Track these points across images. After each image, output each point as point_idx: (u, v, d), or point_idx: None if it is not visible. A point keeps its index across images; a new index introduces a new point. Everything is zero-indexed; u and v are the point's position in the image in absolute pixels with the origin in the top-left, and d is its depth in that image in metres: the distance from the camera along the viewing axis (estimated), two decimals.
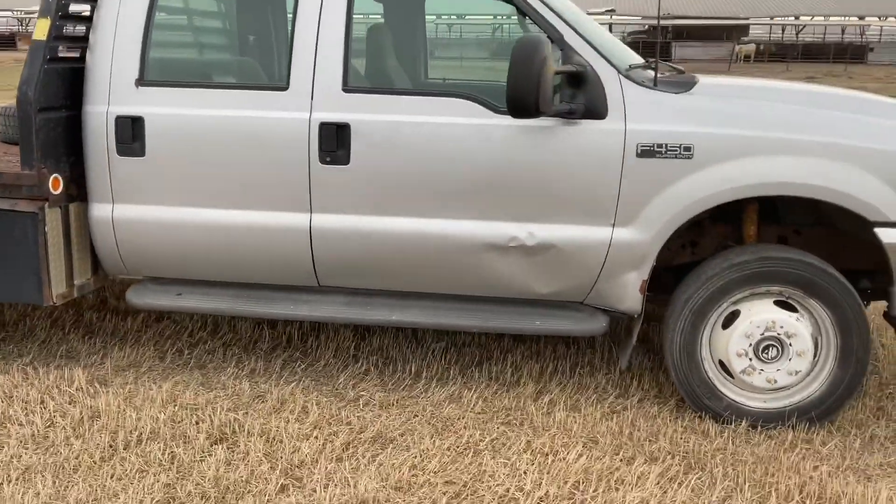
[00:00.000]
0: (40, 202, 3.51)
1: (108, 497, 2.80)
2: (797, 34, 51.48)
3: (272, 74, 3.71)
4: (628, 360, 3.55)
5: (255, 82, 3.65)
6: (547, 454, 3.11)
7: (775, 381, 3.36)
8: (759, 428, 3.37)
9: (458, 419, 3.39)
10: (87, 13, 3.67)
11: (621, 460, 3.08)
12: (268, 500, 2.79)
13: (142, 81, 3.57)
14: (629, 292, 3.43)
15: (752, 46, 47.10)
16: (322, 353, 4.06)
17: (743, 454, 3.15)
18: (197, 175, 3.57)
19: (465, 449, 3.15)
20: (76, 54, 3.68)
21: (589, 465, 3.02)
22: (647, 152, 3.27)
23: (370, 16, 4.19)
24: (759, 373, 3.36)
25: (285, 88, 3.48)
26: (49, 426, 3.26)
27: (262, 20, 4.16)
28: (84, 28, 3.66)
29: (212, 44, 4.15)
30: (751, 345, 3.34)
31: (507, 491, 2.86)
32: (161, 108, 3.56)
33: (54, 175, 3.53)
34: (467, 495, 2.84)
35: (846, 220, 3.37)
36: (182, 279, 3.84)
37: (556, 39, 3.33)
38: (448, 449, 3.15)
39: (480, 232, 3.43)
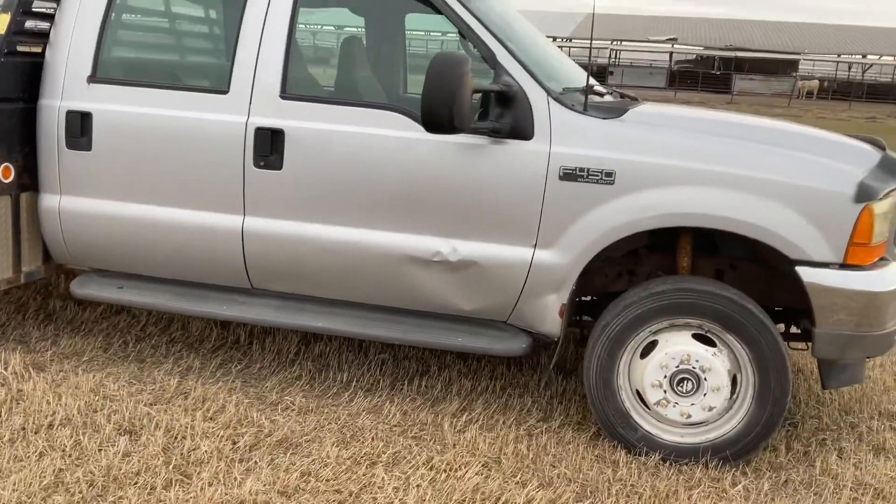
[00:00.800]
0: None
1: (1, 476, 2.88)
2: (863, 73, 50.34)
3: (215, 78, 3.79)
4: (545, 381, 3.52)
5: (199, 84, 3.74)
6: (444, 471, 3.10)
7: (689, 416, 3.29)
8: (671, 463, 3.29)
9: (370, 430, 3.39)
10: (52, 11, 3.80)
11: (516, 483, 3.05)
12: (149, 494, 2.83)
13: (93, 78, 3.70)
14: (549, 315, 3.40)
15: (816, 83, 46.18)
16: (261, 357, 4.11)
17: (643, 487, 3.08)
18: (138, 171, 3.67)
19: (363, 460, 3.16)
20: (38, 49, 3.82)
21: (481, 485, 3.00)
22: (569, 175, 3.26)
23: (319, 25, 4.25)
24: (674, 406, 3.30)
25: (226, 92, 3.56)
26: None
27: (213, 25, 4.27)
28: (47, 25, 3.80)
29: (164, 45, 4.27)
30: (665, 376, 3.28)
31: None
32: (109, 104, 3.68)
33: (5, 164, 3.67)
34: None
35: (776, 258, 3.29)
36: (126, 273, 3.94)
37: (488, 58, 3.36)
38: (348, 458, 3.16)
39: (405, 244, 3.44)
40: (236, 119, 3.53)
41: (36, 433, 3.18)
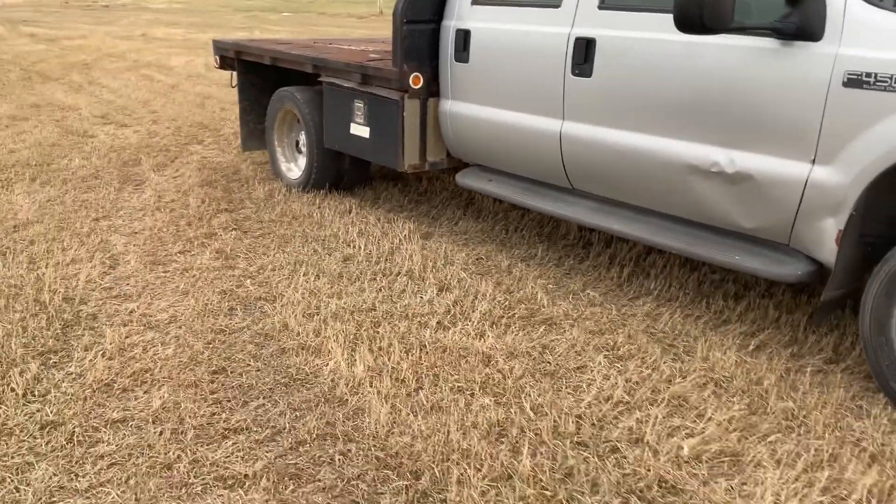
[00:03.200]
0: (402, 93, 4.70)
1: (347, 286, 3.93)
2: None
3: None
4: (819, 318, 3.17)
5: (542, 2, 4.10)
6: (625, 358, 3.14)
7: None
8: None
9: (626, 327, 3.55)
10: None
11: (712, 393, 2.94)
12: (420, 326, 3.55)
13: (476, 1, 4.43)
14: (826, 240, 3.05)
15: None
16: (594, 257, 4.47)
17: (871, 441, 2.67)
18: (495, 80, 4.31)
19: (597, 348, 3.38)
20: None
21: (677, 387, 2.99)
22: (854, 81, 2.85)
23: None
24: None
25: (558, 6, 3.94)
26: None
27: None
28: None
29: None
30: None
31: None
32: (481, 23, 4.37)
33: (415, 73, 4.67)
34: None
35: None
36: (499, 170, 4.65)
37: None
38: (589, 345, 3.41)
39: (687, 153, 3.43)
40: (563, 31, 3.89)
41: (384, 275, 4.17)
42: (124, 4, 42.86)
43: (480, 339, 3.44)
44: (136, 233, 4.80)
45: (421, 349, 3.33)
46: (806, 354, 3.32)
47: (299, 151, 5.91)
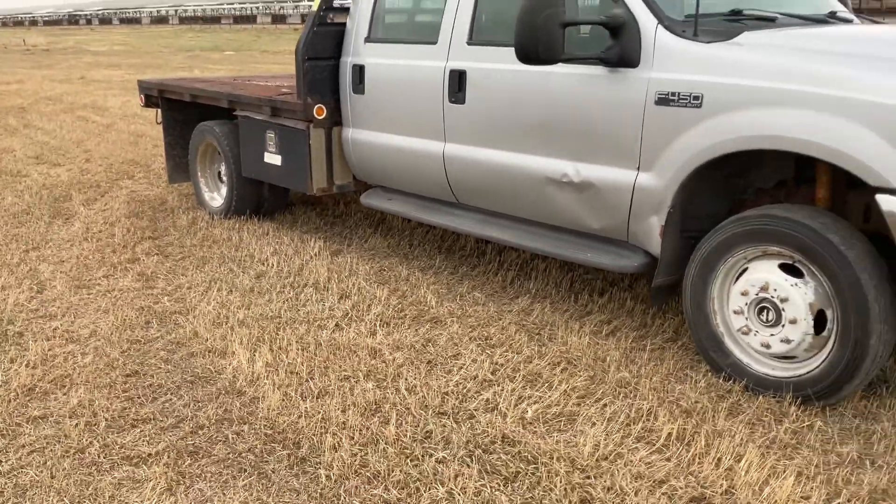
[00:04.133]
0: (307, 123, 5.16)
1: (261, 295, 4.34)
2: None
3: (430, 32, 4.55)
4: (655, 301, 3.68)
5: (420, 38, 4.62)
6: (496, 346, 3.62)
7: (769, 346, 3.20)
8: (753, 392, 3.25)
9: (500, 323, 4.03)
10: None
11: (560, 369, 3.43)
12: (319, 328, 3.98)
13: (368, 39, 4.93)
14: (653, 235, 3.58)
15: None
16: (482, 263, 4.96)
17: (687, 400, 3.18)
18: (385, 108, 4.81)
19: (473, 339, 3.85)
20: (343, 20, 5.19)
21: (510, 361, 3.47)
22: (663, 100, 3.40)
23: None
24: (755, 334, 3.24)
25: (435, 43, 4.46)
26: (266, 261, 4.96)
27: None
28: (350, 1, 5.16)
29: (406, 9, 5.20)
30: (747, 304, 3.24)
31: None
32: (373, 58, 4.88)
33: (318, 105, 5.15)
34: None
35: None
36: (397, 190, 5.12)
37: None
38: (466, 336, 3.88)
39: (544, 166, 3.94)
40: (439, 64, 4.41)
41: (298, 286, 4.59)
42: (65, 49, 42.75)
43: (371, 337, 3.88)
44: (63, 261, 5.15)
45: (316, 347, 3.76)
46: (650, 336, 3.84)
47: (221, 181, 6.32)
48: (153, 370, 3.59)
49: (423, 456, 2.82)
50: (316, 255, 5.18)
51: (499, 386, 3.35)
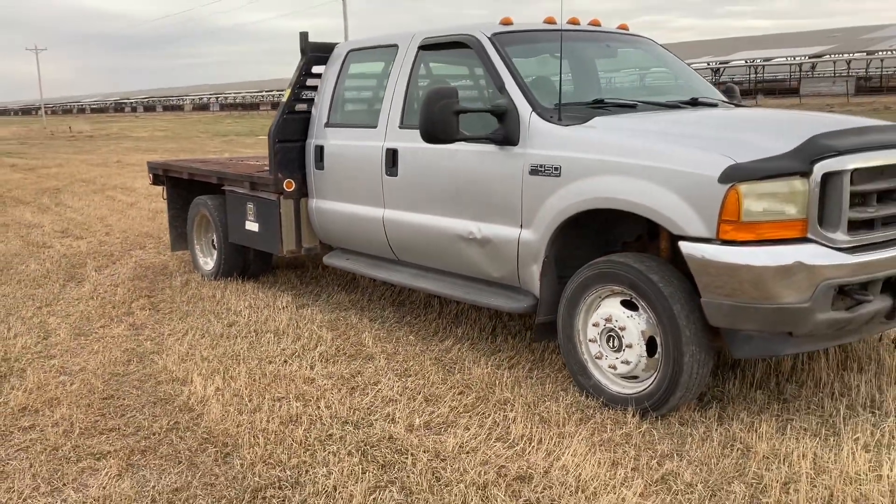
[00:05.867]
0: (278, 195, 6.05)
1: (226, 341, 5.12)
2: None
3: (373, 118, 5.46)
4: (537, 338, 4.40)
5: (364, 123, 5.53)
6: (410, 375, 4.35)
7: (615, 368, 3.90)
8: (607, 407, 3.93)
9: (417, 360, 4.77)
10: (316, 84, 6.09)
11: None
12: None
13: (327, 124, 5.86)
14: (535, 280, 4.33)
15: None
16: (426, 315, 5.72)
17: (548, 412, 3.87)
18: (339, 181, 5.68)
19: (395, 369, 4.59)
20: (306, 107, 6.13)
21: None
22: (534, 171, 4.21)
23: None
24: (606, 359, 3.95)
25: (375, 126, 5.35)
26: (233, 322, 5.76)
27: (380, 84, 5.97)
28: (314, 93, 6.10)
29: (360, 99, 6.13)
30: (598, 334, 3.96)
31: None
32: (331, 140, 5.78)
33: (287, 179, 6.04)
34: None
35: None
36: (353, 250, 5.95)
37: (499, 87, 4.49)
38: (390, 369, 4.62)
39: (455, 226, 4.74)
40: (378, 143, 5.29)
41: (257, 333, 5.38)
42: (108, 135, 45.11)
43: (310, 370, 4.64)
44: (69, 315, 6.02)
45: (261, 377, 4.53)
46: (540, 367, 4.54)
47: (214, 248, 7.21)
48: (125, 394, 4.38)
49: (319, 450, 3.55)
50: (283, 308, 5.99)
51: (401, 404, 4.07)
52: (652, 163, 3.70)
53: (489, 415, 3.91)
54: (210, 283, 6.82)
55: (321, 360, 4.80)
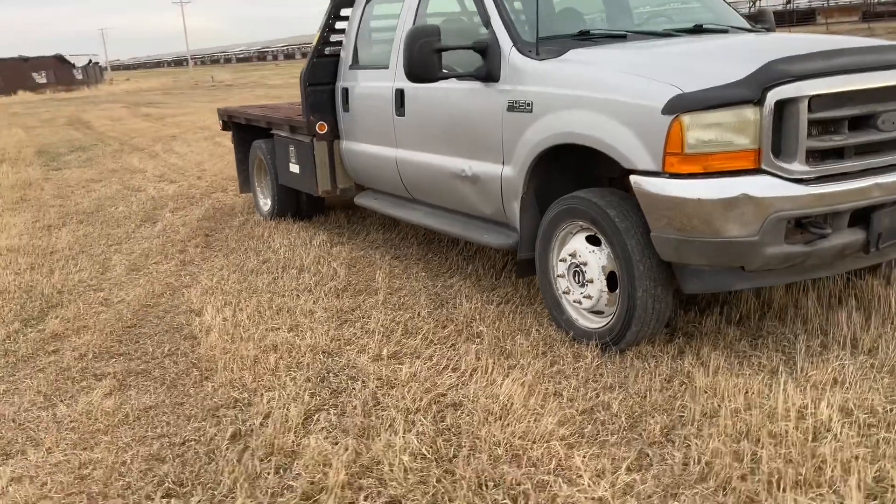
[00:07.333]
0: (312, 137, 6.29)
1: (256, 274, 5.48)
2: None
3: (385, 59, 5.51)
4: (520, 274, 4.43)
5: (381, 64, 5.59)
6: (400, 309, 4.50)
7: (580, 303, 3.91)
8: (575, 340, 3.96)
9: (411, 289, 4.91)
10: (345, 27, 6.22)
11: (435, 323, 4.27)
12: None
13: (350, 66, 6.00)
14: (517, 217, 4.35)
15: None
16: (437, 252, 5.84)
17: (513, 345, 3.94)
18: (363, 122, 5.83)
19: (391, 306, 4.77)
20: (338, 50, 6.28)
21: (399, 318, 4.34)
22: (511, 107, 4.20)
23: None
24: (572, 294, 3.95)
25: (387, 67, 5.44)
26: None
27: (394, 27, 5.94)
28: (342, 36, 6.24)
29: (379, 41, 6.14)
30: (566, 270, 3.96)
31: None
32: (354, 82, 5.93)
33: (320, 122, 6.25)
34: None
35: None
36: (380, 190, 6.12)
37: (485, 22, 4.46)
38: (388, 304, 4.81)
39: (450, 164, 4.81)
40: (389, 84, 5.38)
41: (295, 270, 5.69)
42: (246, 83, 47.10)
43: (314, 303, 4.90)
44: (132, 252, 6.57)
45: (268, 309, 4.83)
46: (526, 304, 4.58)
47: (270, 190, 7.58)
48: (146, 324, 4.80)
49: (284, 376, 3.80)
50: (317, 246, 6.27)
51: (380, 335, 4.26)
52: (604, 95, 3.62)
53: (458, 346, 4.02)
54: (264, 224, 7.21)
55: (327, 295, 5.04)
